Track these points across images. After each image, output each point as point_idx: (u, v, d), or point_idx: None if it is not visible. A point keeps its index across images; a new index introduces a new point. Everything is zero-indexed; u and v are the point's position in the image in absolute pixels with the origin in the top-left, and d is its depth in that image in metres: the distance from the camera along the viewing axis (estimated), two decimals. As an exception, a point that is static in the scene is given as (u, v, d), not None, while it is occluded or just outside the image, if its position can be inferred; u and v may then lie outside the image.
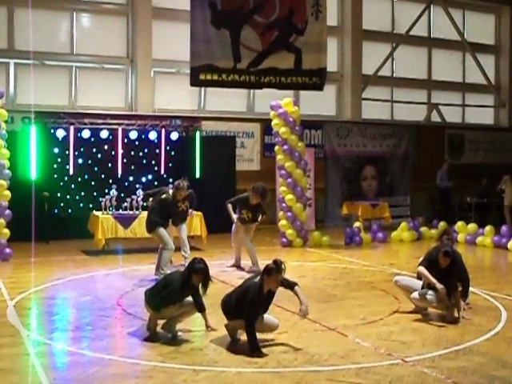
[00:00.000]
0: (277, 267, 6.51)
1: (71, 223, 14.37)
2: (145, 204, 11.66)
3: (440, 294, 7.60)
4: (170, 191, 10.80)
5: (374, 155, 19.17)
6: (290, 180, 14.09)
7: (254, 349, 6.29)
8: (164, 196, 10.58)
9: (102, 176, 15.00)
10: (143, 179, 15.26)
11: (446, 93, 21.61)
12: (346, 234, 14.59)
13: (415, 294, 7.82)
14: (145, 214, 11.22)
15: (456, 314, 7.68)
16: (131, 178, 15.21)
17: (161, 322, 6.96)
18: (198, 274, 6.76)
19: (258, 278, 6.62)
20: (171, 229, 11.01)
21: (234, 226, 11.36)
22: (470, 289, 8.79)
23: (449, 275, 7.72)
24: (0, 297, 8.84)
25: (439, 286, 7.59)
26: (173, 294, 6.76)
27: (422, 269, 7.86)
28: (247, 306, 6.41)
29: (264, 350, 6.35)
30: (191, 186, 11.35)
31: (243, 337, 6.59)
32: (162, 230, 10.26)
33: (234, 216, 11.10)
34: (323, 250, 13.77)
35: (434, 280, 7.65)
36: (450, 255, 7.71)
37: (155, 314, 6.89)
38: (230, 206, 11.10)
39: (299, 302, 6.66)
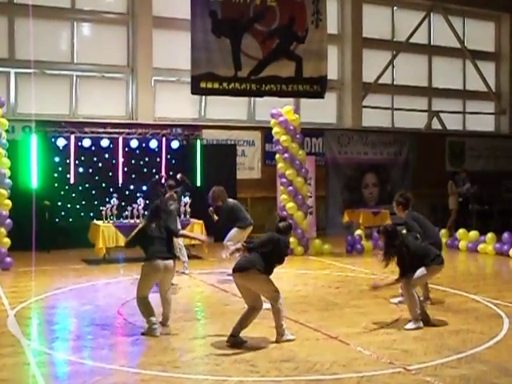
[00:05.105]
0: (290, 224, 7.67)
1: (72, 232, 14.37)
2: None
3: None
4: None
5: (374, 163, 19.22)
6: (290, 188, 14.08)
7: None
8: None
9: (103, 185, 15.01)
10: (144, 188, 15.26)
11: (447, 100, 21.61)
12: (348, 241, 14.56)
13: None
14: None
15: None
16: (132, 187, 15.23)
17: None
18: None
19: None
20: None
21: None
22: (472, 296, 8.76)
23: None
24: (0, 306, 8.83)
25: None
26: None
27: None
28: (287, 246, 7.68)
29: (265, 359, 6.34)
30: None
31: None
32: None
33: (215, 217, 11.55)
34: (324, 258, 13.74)
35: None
36: (380, 232, 8.37)
37: None
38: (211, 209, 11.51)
39: None
